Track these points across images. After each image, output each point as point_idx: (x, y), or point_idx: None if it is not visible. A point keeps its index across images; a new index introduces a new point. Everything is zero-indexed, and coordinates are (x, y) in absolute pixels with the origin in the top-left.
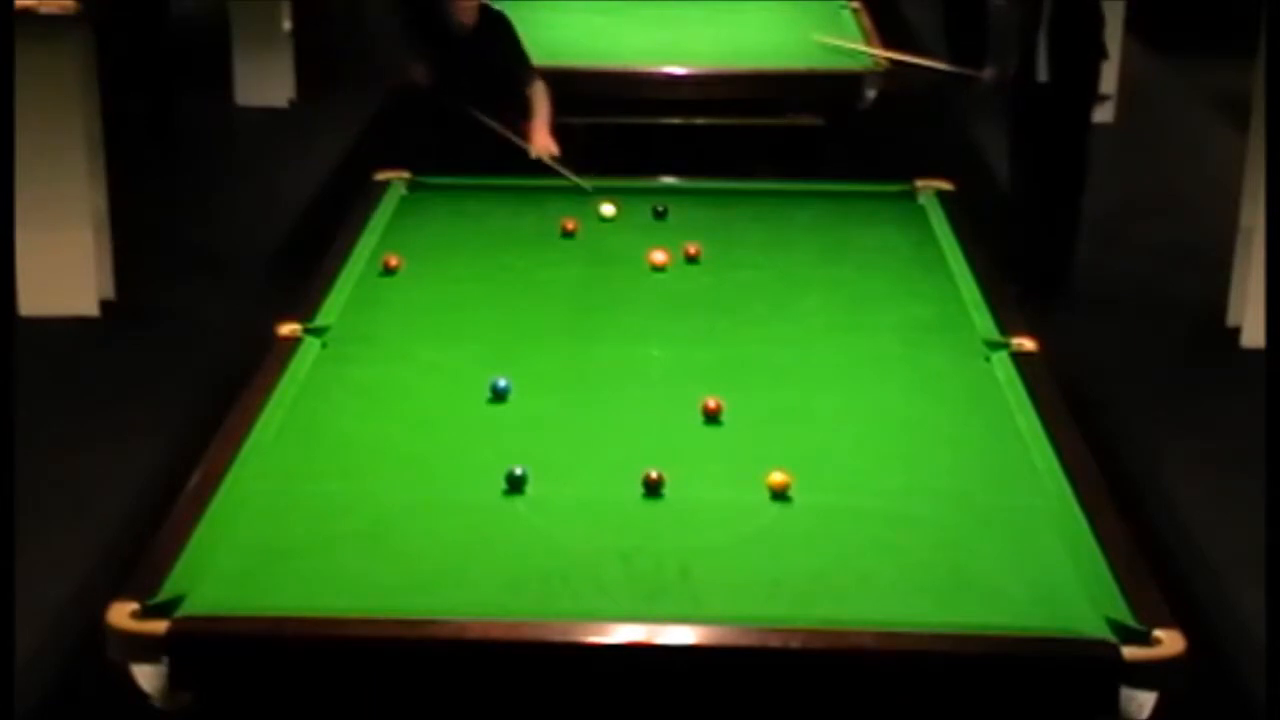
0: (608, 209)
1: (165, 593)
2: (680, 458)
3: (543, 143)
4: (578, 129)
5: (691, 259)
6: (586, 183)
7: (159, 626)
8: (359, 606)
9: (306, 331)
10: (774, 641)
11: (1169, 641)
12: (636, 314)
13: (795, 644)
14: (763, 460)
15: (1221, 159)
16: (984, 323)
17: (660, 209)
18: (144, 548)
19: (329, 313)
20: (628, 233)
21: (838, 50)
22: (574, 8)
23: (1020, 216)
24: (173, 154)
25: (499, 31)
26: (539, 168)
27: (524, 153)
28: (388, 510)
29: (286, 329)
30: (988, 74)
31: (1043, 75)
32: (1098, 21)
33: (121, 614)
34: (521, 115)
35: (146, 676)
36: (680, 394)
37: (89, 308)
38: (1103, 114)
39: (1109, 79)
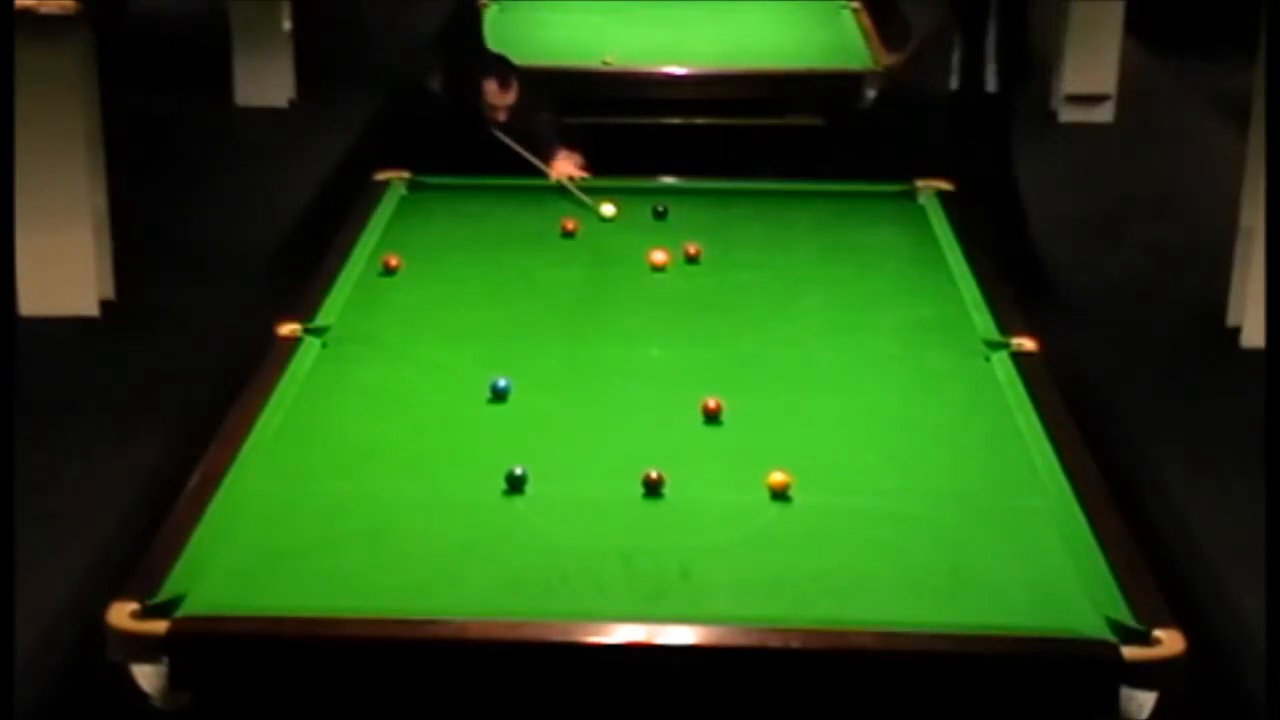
0: (608, 209)
1: (165, 593)
2: (680, 458)
3: (563, 169)
4: (577, 129)
5: (691, 259)
6: (597, 205)
7: (159, 626)
8: (359, 606)
9: (306, 331)
10: (774, 641)
11: (1169, 641)
12: (636, 314)
13: (795, 644)
14: (763, 460)
15: (1221, 159)
16: (984, 323)
17: (660, 209)
18: (144, 548)
19: (329, 313)
20: (628, 233)
21: (837, 50)
22: (574, 8)
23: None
24: (172, 154)
25: (530, 116)
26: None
27: (543, 174)
28: (388, 510)
29: (286, 329)
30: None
31: (991, 86)
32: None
33: (121, 614)
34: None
35: (146, 676)
36: (680, 394)
37: (89, 308)
38: (1103, 114)
39: (1109, 79)
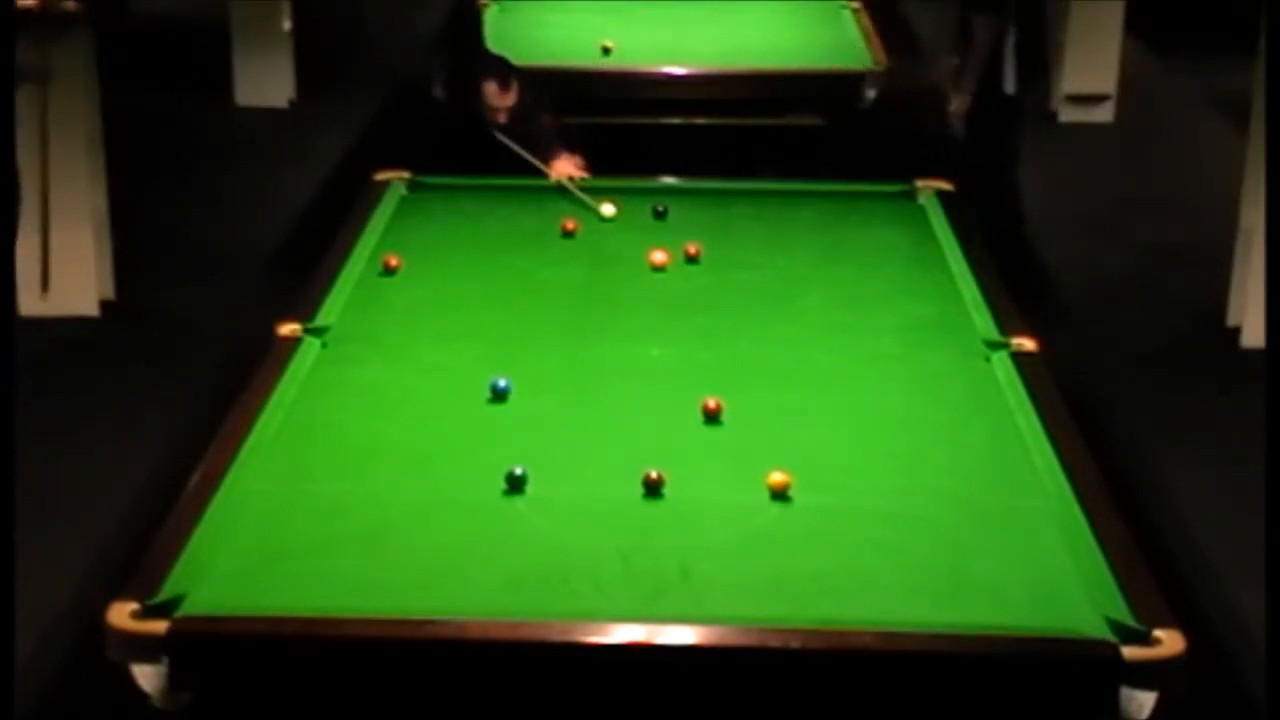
0: (608, 209)
1: (165, 593)
2: (680, 458)
3: (562, 168)
4: (577, 129)
5: (691, 259)
6: (598, 205)
7: (159, 626)
8: (359, 606)
9: (306, 331)
10: (774, 641)
11: (1169, 641)
12: (636, 314)
13: (795, 644)
14: (763, 460)
15: (1221, 159)
16: (984, 323)
17: (660, 209)
18: (144, 548)
19: (329, 313)
20: (628, 233)
21: (837, 50)
22: (574, 8)
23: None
24: (173, 154)
25: (531, 117)
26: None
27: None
28: (388, 510)
29: (286, 329)
30: (956, 106)
31: (1010, 88)
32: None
33: (121, 614)
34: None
35: (146, 676)
36: (680, 394)
37: (89, 308)
38: (1102, 114)
39: (1109, 79)
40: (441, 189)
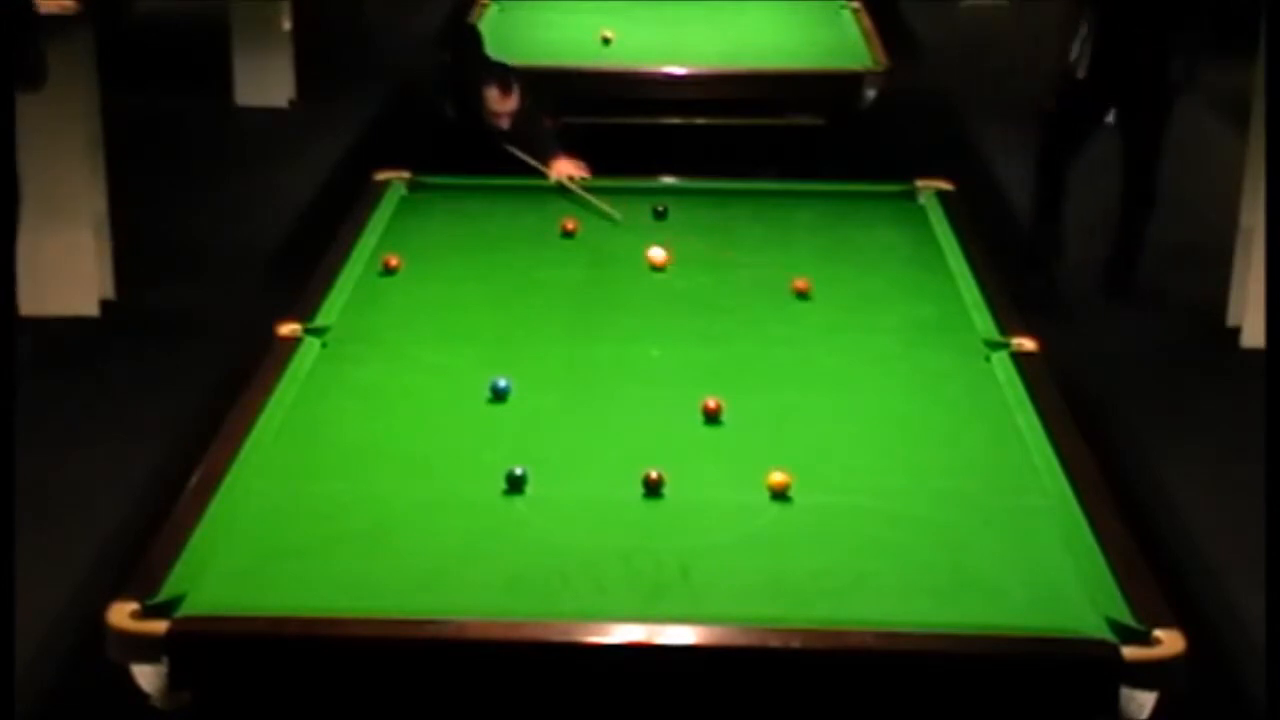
0: (657, 253)
1: (165, 593)
2: (680, 458)
3: (563, 168)
4: (577, 129)
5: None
6: (609, 207)
7: (159, 626)
8: (359, 606)
9: (306, 331)
10: (774, 641)
11: (1169, 641)
12: (636, 314)
13: (795, 644)
14: (763, 460)
15: (1221, 159)
16: (984, 323)
17: (660, 209)
18: (144, 548)
19: (329, 313)
20: (628, 233)
21: (837, 50)
22: (574, 8)
23: (1042, 215)
24: (172, 154)
25: (530, 125)
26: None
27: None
28: (388, 510)
29: (286, 329)
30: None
31: (1080, 73)
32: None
33: (121, 614)
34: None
35: (146, 676)
36: (680, 394)
37: (89, 308)
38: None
39: None
40: (441, 189)
